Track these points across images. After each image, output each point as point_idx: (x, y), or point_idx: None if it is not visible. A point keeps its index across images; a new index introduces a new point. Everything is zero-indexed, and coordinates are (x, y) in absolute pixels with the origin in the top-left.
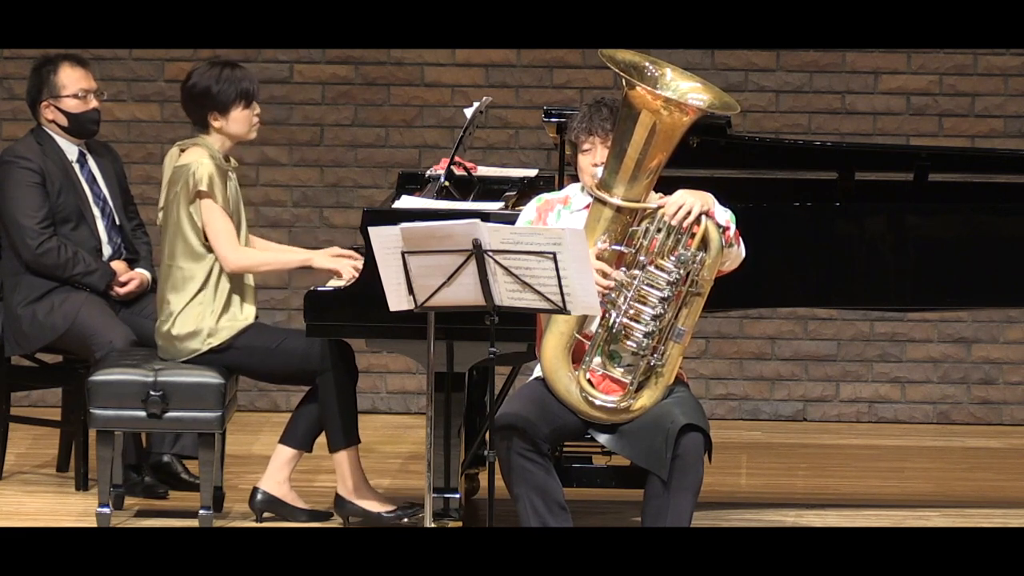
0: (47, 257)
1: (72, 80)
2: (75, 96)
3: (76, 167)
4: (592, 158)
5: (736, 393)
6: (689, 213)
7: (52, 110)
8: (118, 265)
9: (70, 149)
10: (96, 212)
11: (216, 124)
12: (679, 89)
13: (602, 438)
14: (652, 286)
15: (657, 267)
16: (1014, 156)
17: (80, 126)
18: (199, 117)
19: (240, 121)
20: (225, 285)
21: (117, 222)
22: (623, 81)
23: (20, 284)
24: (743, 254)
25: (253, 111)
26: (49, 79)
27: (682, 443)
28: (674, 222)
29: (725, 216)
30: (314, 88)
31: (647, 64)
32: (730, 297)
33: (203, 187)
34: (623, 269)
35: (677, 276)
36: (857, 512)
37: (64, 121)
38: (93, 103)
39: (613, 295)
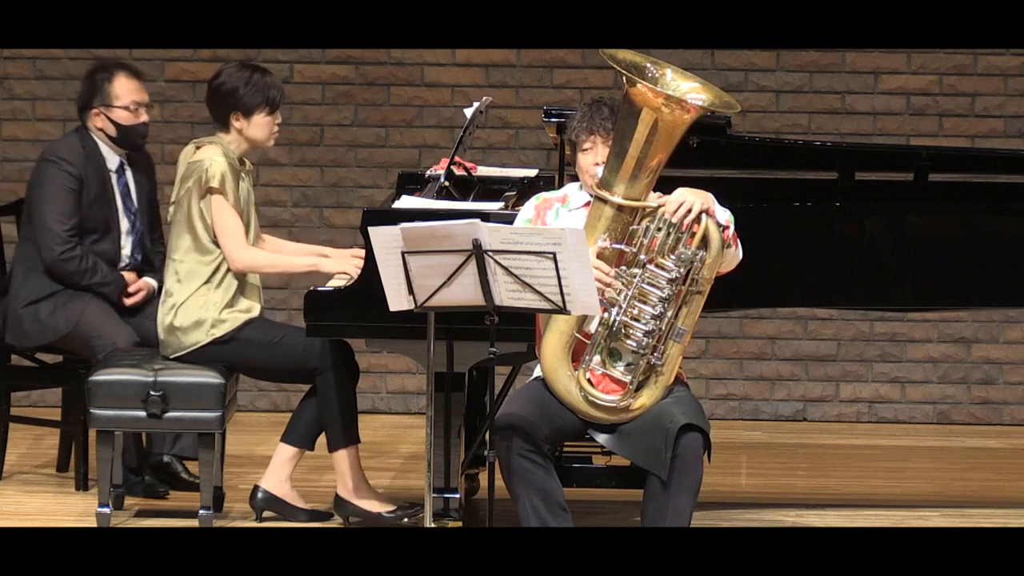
0: (68, 264)
1: (126, 91)
2: (127, 108)
3: (113, 177)
4: (593, 157)
5: (736, 393)
6: (690, 211)
7: (102, 118)
8: (128, 275)
9: (111, 158)
10: (125, 225)
11: (237, 125)
12: (680, 89)
13: (602, 438)
14: (652, 285)
15: (658, 266)
16: (1014, 156)
17: (127, 138)
18: (221, 115)
19: (261, 127)
20: (231, 280)
21: (141, 236)
22: (624, 79)
23: (29, 279)
24: (740, 256)
25: (275, 120)
26: (103, 87)
27: (681, 443)
28: (675, 220)
29: (724, 216)
30: (314, 88)
31: (648, 64)
32: (730, 297)
33: (215, 184)
34: (623, 268)
35: (677, 275)
36: (857, 512)
37: (112, 131)
38: (144, 116)
39: (613, 294)
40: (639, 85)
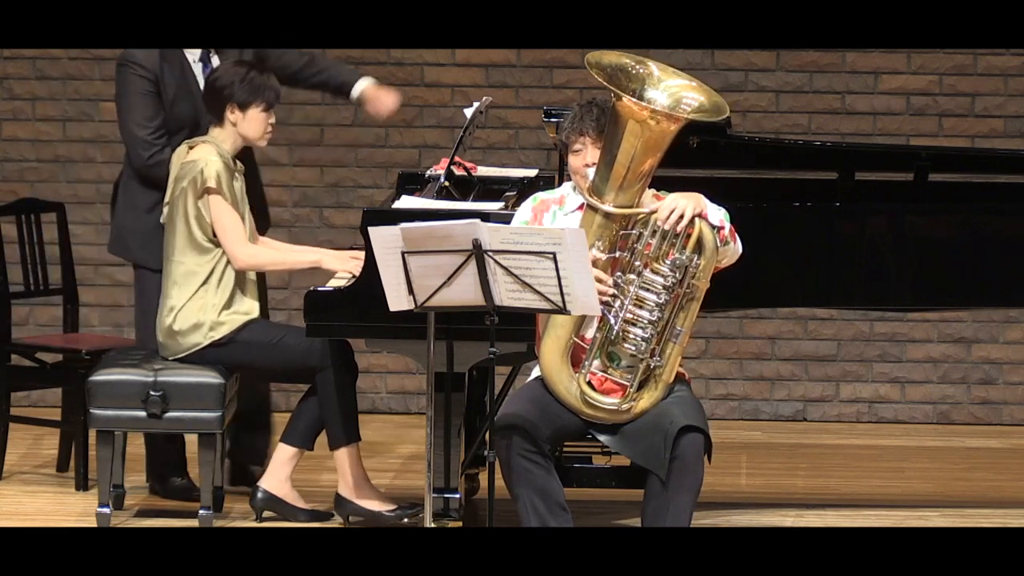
0: (158, 169)
1: None
2: None
3: (197, 67)
4: (583, 159)
5: (736, 393)
6: (682, 217)
7: None
8: None
9: (192, 49)
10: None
11: (232, 117)
12: (668, 88)
13: (603, 438)
14: (648, 290)
15: (653, 271)
16: (1014, 156)
17: None
18: (216, 109)
19: (256, 122)
20: (228, 280)
21: None
22: (611, 93)
23: (141, 191)
24: (740, 250)
25: (268, 118)
26: None
27: (681, 443)
28: (667, 226)
29: (719, 215)
30: None
31: (633, 64)
32: (730, 297)
33: (212, 184)
34: (619, 274)
35: (673, 280)
36: (857, 512)
37: None
38: None
39: (610, 300)
40: (625, 99)
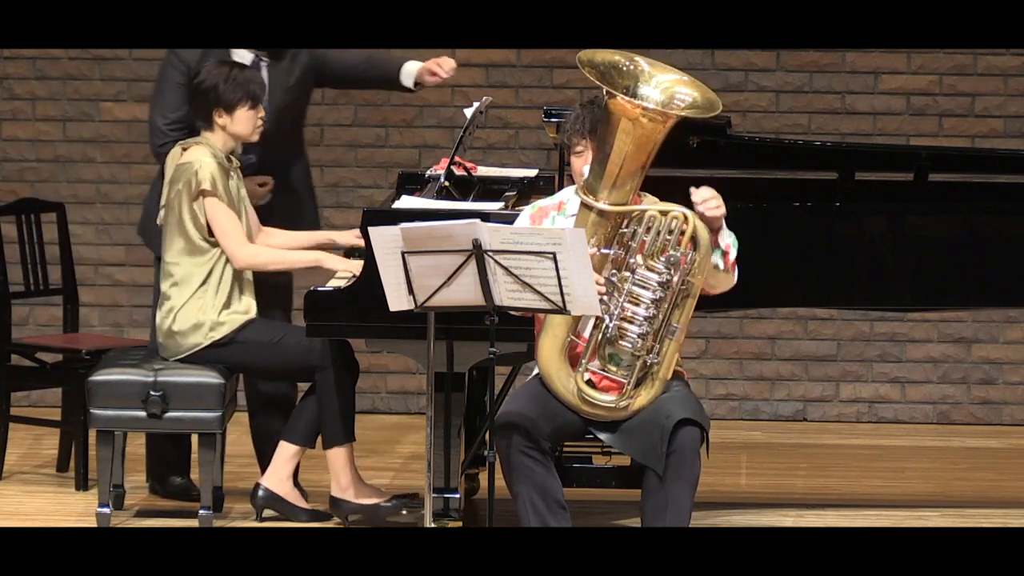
0: (165, 159)
1: None
2: None
3: None
4: (585, 160)
5: (736, 393)
6: (718, 206)
7: None
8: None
9: (242, 54)
10: None
11: (220, 121)
12: (660, 84)
13: (602, 435)
14: (644, 287)
15: (648, 268)
16: (1014, 156)
17: None
18: (204, 113)
19: (244, 121)
20: (227, 281)
21: (266, 138)
22: (603, 91)
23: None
24: (734, 281)
25: (258, 113)
26: None
27: (678, 437)
28: (701, 207)
29: (727, 239)
30: None
31: (625, 61)
32: (730, 297)
33: (206, 186)
34: (614, 271)
35: (668, 277)
36: (857, 512)
37: None
38: None
39: (605, 298)
40: (618, 98)
